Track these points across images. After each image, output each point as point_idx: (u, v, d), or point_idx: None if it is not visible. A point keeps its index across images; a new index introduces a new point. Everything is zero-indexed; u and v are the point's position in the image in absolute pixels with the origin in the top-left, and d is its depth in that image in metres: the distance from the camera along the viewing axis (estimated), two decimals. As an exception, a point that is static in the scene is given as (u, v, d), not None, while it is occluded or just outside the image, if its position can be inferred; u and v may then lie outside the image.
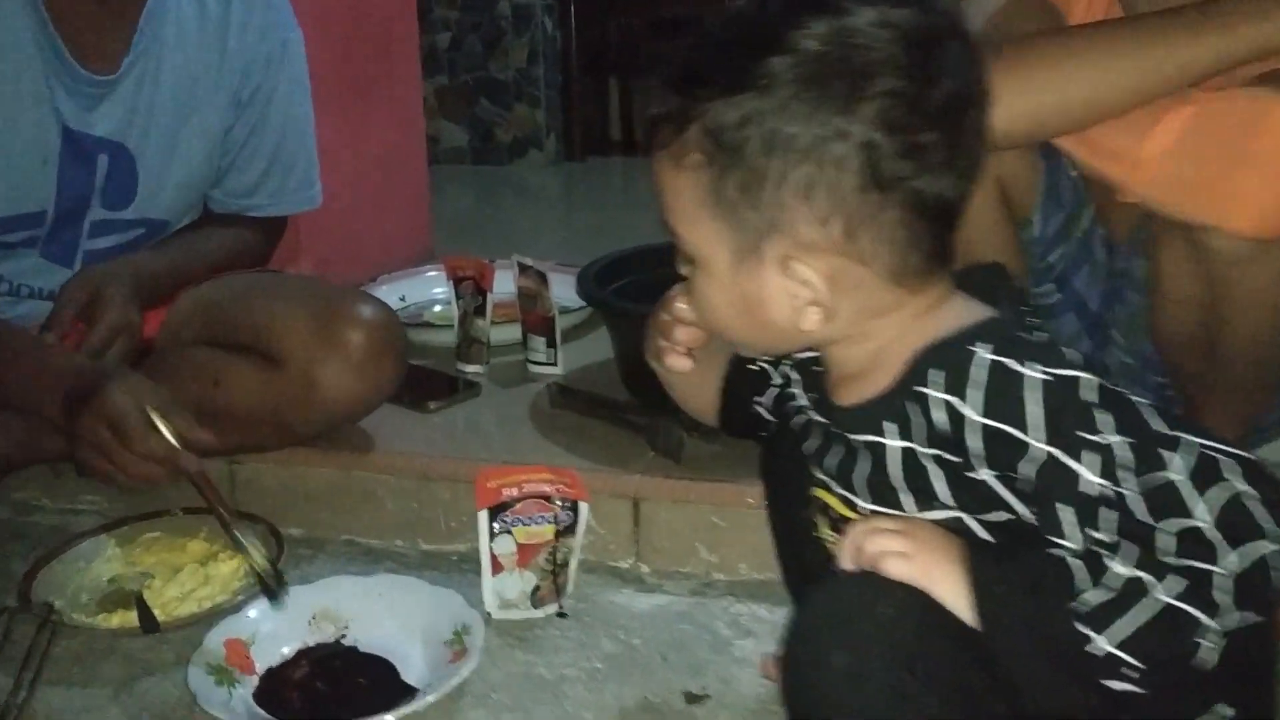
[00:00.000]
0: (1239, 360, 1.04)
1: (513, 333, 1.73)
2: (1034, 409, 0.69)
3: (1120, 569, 0.66)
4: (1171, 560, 0.65)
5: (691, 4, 3.61)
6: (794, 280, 0.74)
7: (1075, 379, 0.69)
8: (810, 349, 0.84)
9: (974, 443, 0.72)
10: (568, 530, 1.19)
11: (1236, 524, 0.65)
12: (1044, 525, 0.70)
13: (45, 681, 1.09)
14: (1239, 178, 0.93)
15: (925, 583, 0.70)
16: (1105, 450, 0.67)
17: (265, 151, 1.46)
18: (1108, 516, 0.67)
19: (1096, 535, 0.68)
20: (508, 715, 1.05)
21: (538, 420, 1.50)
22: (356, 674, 1.09)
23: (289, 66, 1.44)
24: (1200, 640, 0.65)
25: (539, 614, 1.19)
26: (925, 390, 0.74)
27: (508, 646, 1.15)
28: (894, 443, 0.76)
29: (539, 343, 1.65)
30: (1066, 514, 0.68)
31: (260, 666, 1.09)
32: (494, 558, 1.18)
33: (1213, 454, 0.67)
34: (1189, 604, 0.65)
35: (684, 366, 0.95)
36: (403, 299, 1.94)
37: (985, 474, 0.72)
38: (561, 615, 1.20)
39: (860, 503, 0.80)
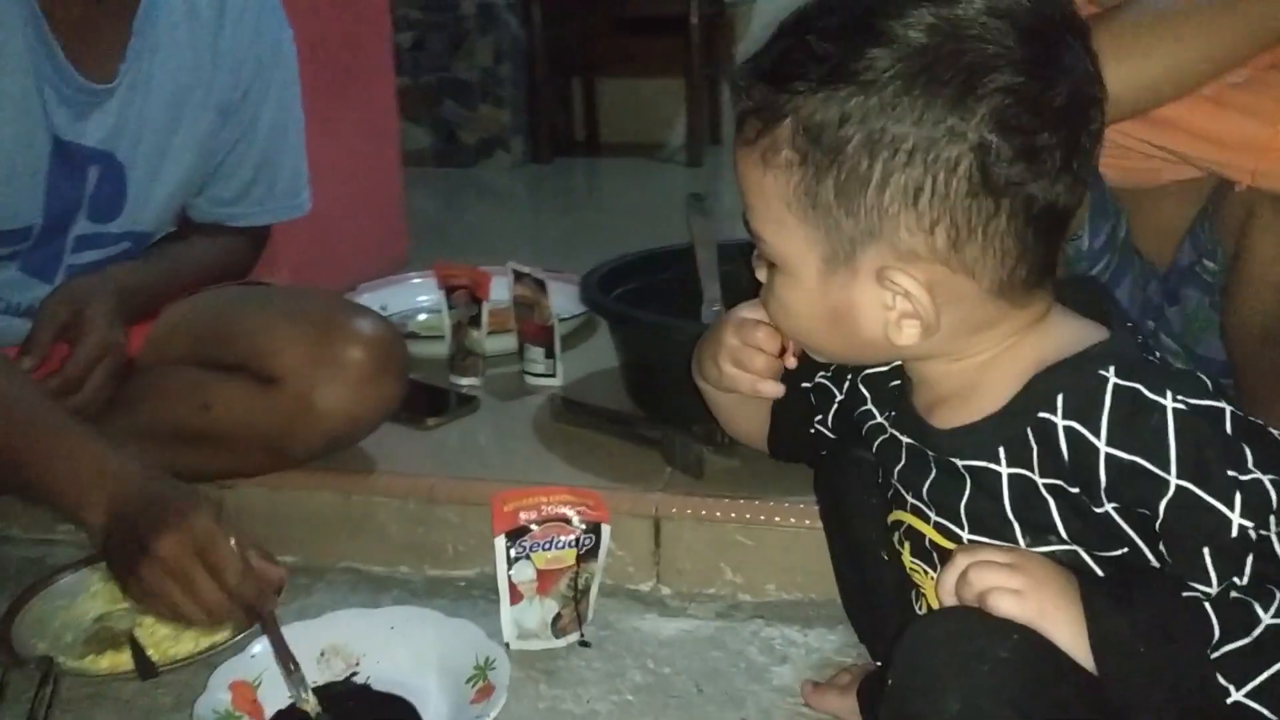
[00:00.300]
0: None
1: (506, 343, 1.67)
2: (1172, 442, 0.64)
3: (1265, 616, 0.61)
4: None
5: (652, 4, 3.58)
6: (890, 292, 0.69)
7: (1217, 410, 0.65)
8: (895, 362, 0.79)
9: (1102, 475, 0.67)
10: (589, 554, 1.13)
11: None
12: (1179, 566, 0.65)
13: (34, 733, 1.01)
14: None
15: (1039, 623, 0.64)
16: (1251, 489, 0.63)
17: (253, 157, 1.38)
18: (1250, 560, 0.63)
19: (1238, 580, 0.63)
20: (539, 755, 0.99)
21: (542, 435, 1.44)
22: (372, 714, 1.02)
23: (280, 68, 1.36)
24: None
25: (560, 644, 1.13)
26: (1048, 416, 0.68)
27: (530, 680, 1.08)
28: (1007, 470, 0.71)
29: (537, 353, 1.58)
30: (1207, 556, 0.64)
31: (269, 710, 1.02)
32: (512, 585, 1.12)
33: None
34: None
35: (776, 391, 0.90)
36: (384, 308, 1.86)
37: (1109, 508, 0.68)
38: (584, 644, 1.14)
39: (961, 532, 0.75)
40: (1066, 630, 0.64)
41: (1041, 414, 0.69)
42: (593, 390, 1.55)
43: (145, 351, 1.32)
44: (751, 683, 1.07)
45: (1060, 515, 0.70)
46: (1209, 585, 0.64)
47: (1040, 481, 0.70)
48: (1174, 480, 0.64)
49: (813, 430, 0.94)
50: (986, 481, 0.72)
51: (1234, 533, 0.63)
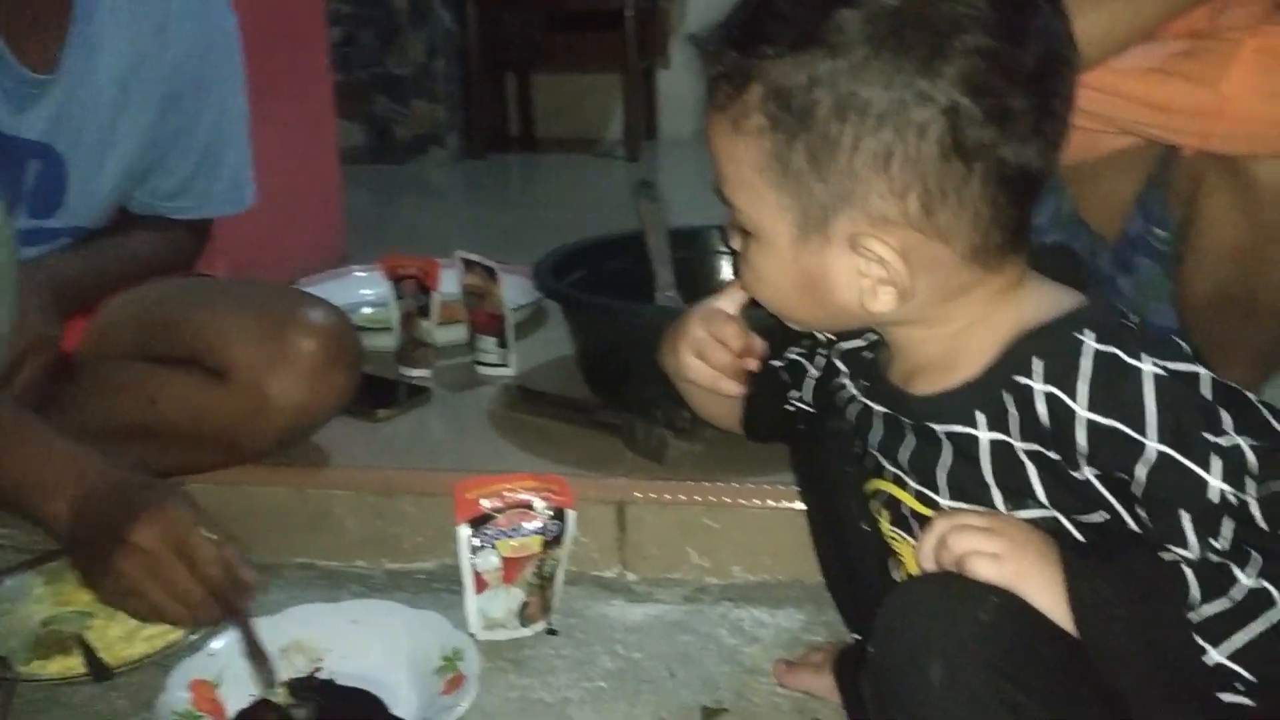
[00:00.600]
0: (1276, 312, 1.03)
1: (457, 334, 1.64)
2: (1151, 406, 0.64)
3: (1243, 579, 0.62)
4: None
5: (587, -1, 3.57)
6: (864, 258, 0.68)
7: (1194, 374, 0.65)
8: (870, 330, 0.78)
9: (1080, 439, 0.66)
10: (555, 541, 1.11)
11: None
12: (1159, 530, 0.65)
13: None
14: None
15: (1018, 586, 0.64)
16: (1230, 453, 0.63)
17: (196, 149, 1.33)
18: (1229, 523, 0.63)
19: (1216, 543, 0.63)
20: (513, 745, 0.97)
21: (497, 425, 1.42)
22: (340, 710, 1.00)
23: (225, 58, 1.33)
24: None
25: (527, 632, 1.11)
26: (1026, 381, 0.68)
27: (499, 670, 1.06)
28: (986, 435, 0.71)
29: (489, 343, 1.56)
30: (1185, 520, 0.64)
31: (230, 709, 0.99)
32: (477, 575, 1.10)
33: None
34: None
35: (737, 390, 0.90)
36: (328, 302, 1.83)
37: (1088, 473, 0.67)
38: (552, 632, 1.12)
39: (940, 499, 0.75)
40: (1046, 593, 0.64)
41: (1020, 379, 0.69)
42: (547, 379, 1.53)
43: (86, 346, 1.28)
44: (723, 664, 1.06)
45: (1039, 480, 0.70)
46: (1188, 549, 0.64)
47: (1019, 447, 0.70)
48: (1153, 445, 0.64)
49: (788, 407, 0.94)
50: (965, 447, 0.72)
51: (1212, 496, 0.63)
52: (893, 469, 0.79)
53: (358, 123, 3.47)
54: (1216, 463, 0.63)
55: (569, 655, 1.09)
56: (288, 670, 1.03)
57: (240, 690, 1.00)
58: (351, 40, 3.42)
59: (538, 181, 3.54)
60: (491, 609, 1.10)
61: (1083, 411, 0.66)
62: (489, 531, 1.11)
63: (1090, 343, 0.66)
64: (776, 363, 0.94)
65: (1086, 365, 0.66)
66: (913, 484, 0.77)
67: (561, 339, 1.55)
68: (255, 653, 0.97)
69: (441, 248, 1.73)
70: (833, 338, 0.88)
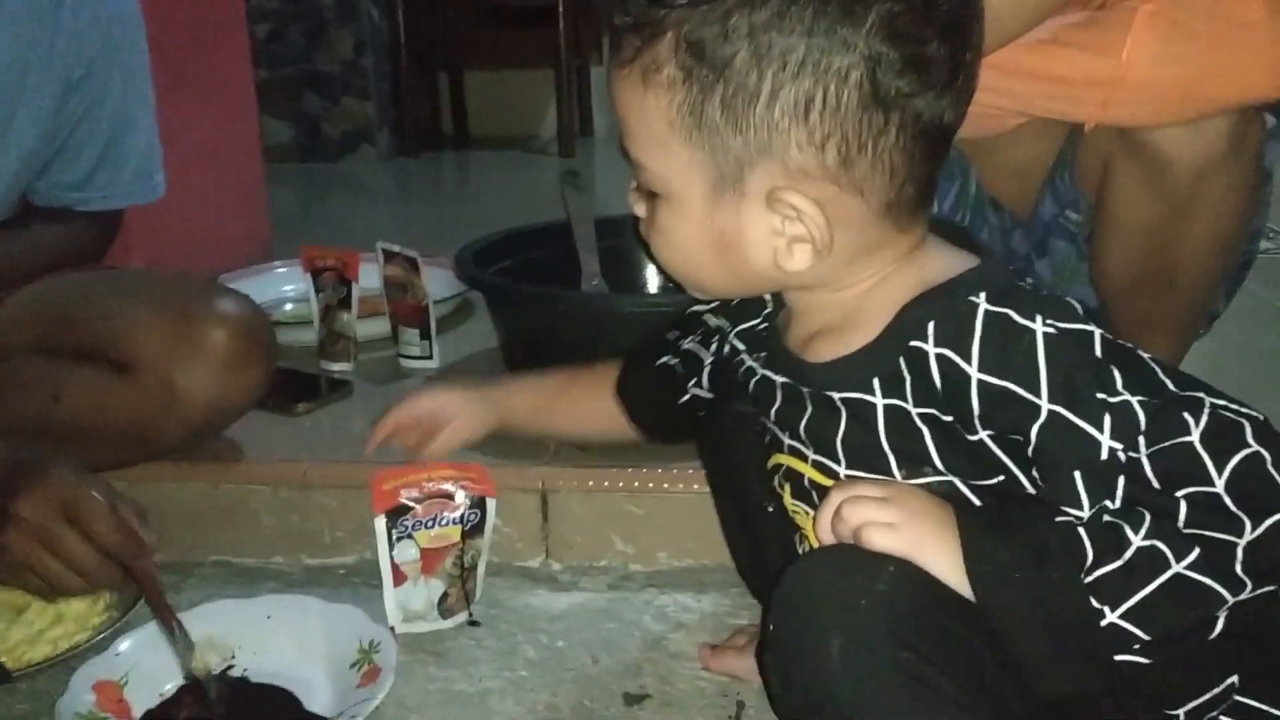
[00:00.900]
0: (1195, 282, 1.04)
1: (379, 327, 1.61)
2: (1043, 366, 0.64)
3: (1135, 538, 0.61)
4: (1188, 530, 0.61)
5: (520, -6, 3.54)
6: (780, 215, 0.67)
7: (1086, 333, 0.65)
8: (769, 301, 0.77)
9: (974, 402, 0.66)
10: (475, 530, 1.09)
11: (1254, 490, 0.62)
12: (1052, 491, 0.65)
13: None
14: (1243, 46, 0.93)
15: (915, 554, 0.63)
16: (1121, 411, 0.63)
17: (100, 136, 1.29)
18: (1121, 482, 0.63)
19: (1109, 502, 0.63)
20: (432, 738, 0.95)
21: (420, 417, 1.39)
22: (252, 707, 0.97)
23: (126, 43, 1.28)
24: (1216, 613, 0.62)
25: (449, 624, 1.09)
26: (920, 344, 0.68)
27: (419, 663, 1.04)
28: (881, 400, 0.70)
29: (412, 335, 1.53)
30: (1078, 479, 0.64)
31: (137, 710, 0.96)
32: (395, 567, 1.07)
33: (1226, 415, 0.64)
34: (1206, 575, 0.60)
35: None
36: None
37: (983, 435, 0.67)
38: (474, 624, 1.10)
39: (838, 468, 0.74)
40: (943, 560, 0.63)
41: (913, 343, 0.68)
42: (471, 372, 1.51)
43: (-15, 341, 1.23)
44: (648, 651, 1.05)
45: (935, 445, 0.69)
46: (1081, 509, 0.64)
47: (914, 411, 0.69)
48: (1045, 405, 0.64)
49: (686, 397, 0.93)
50: (862, 413, 0.71)
51: (1104, 455, 0.63)
52: (791, 441, 0.77)
53: (286, 120, 3.43)
54: (1108, 421, 0.63)
55: (491, 646, 1.07)
56: (200, 668, 1.00)
57: (147, 690, 0.97)
58: (278, 36, 3.37)
59: (470, 179, 3.51)
60: (411, 601, 1.08)
61: (976, 373, 0.65)
62: (407, 522, 1.08)
63: (983, 304, 0.66)
64: (670, 359, 0.92)
65: (979, 326, 0.66)
66: (811, 454, 0.76)
67: (486, 332, 1.53)
68: (165, 618, 0.94)
69: (369, 244, 1.70)
70: (725, 324, 0.87)
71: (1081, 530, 0.62)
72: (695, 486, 1.16)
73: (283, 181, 3.04)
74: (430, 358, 1.53)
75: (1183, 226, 1.00)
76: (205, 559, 1.24)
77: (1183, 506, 0.61)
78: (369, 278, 1.57)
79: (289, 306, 1.83)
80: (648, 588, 1.15)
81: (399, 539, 1.08)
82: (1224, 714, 0.71)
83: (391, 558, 1.08)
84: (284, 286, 1.87)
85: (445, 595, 1.09)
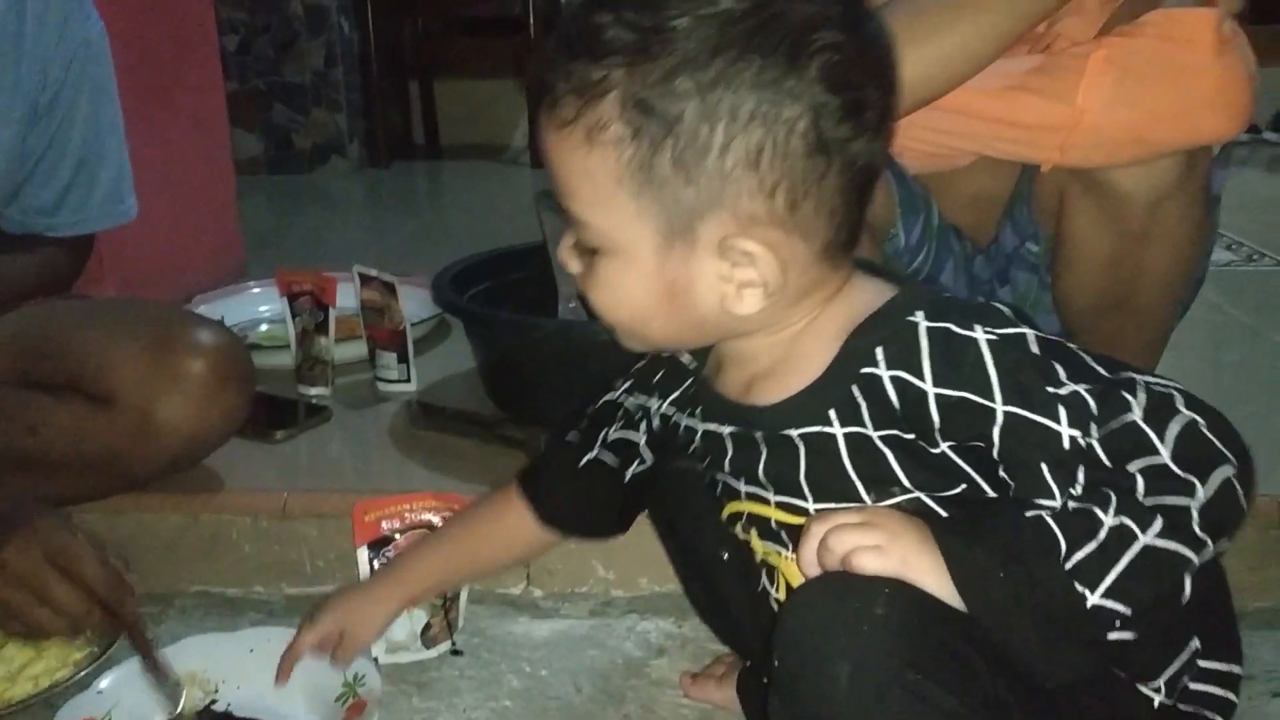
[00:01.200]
0: (1154, 307, 1.07)
1: (356, 350, 1.61)
2: (991, 371, 0.66)
3: (1106, 517, 0.63)
4: (1149, 501, 0.64)
5: (489, 4, 3.54)
6: (729, 261, 0.68)
7: (1021, 335, 0.67)
8: (700, 350, 0.78)
9: (934, 415, 0.68)
10: (457, 560, 1.10)
11: (1197, 453, 0.65)
12: (1023, 487, 0.67)
13: None
14: (1191, 90, 0.95)
15: (904, 573, 0.65)
16: (1071, 401, 0.65)
17: (68, 162, 1.28)
18: (1083, 466, 0.65)
19: (1074, 489, 0.65)
20: (417, 771, 0.96)
21: (399, 442, 1.40)
22: (236, 744, 0.97)
23: (93, 67, 1.27)
24: (1184, 576, 0.64)
25: (432, 654, 1.10)
26: (872, 370, 0.70)
27: (403, 694, 1.04)
28: (841, 430, 0.72)
29: (389, 359, 1.54)
30: (1046, 472, 0.66)
31: (121, 748, 0.96)
32: (378, 597, 1.08)
33: (1158, 389, 0.67)
34: (1171, 541, 0.63)
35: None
36: (222, 319, 1.78)
37: (945, 447, 0.69)
38: (456, 653, 1.11)
39: (805, 504, 0.75)
40: (930, 574, 0.64)
41: (865, 370, 0.70)
42: (450, 394, 1.52)
43: (-41, 375, 1.22)
44: (630, 678, 1.06)
45: (899, 464, 0.71)
46: (1054, 499, 0.66)
47: (875, 435, 0.71)
48: (1000, 407, 0.66)
49: (628, 481, 0.93)
50: (822, 446, 0.73)
51: (1066, 444, 0.65)
52: (749, 487, 0.78)
53: (256, 133, 3.41)
54: (1062, 412, 0.65)
55: (474, 675, 1.07)
56: (187, 714, 1.00)
57: (130, 729, 0.97)
58: (247, 48, 3.35)
59: (442, 190, 3.50)
60: (393, 631, 1.08)
61: (931, 388, 0.68)
62: (389, 553, 1.09)
63: (922, 322, 0.69)
64: (595, 455, 0.93)
65: (925, 344, 0.68)
66: (773, 496, 0.77)
67: (465, 352, 1.54)
68: (152, 664, 0.95)
69: (343, 259, 1.70)
70: (648, 400, 0.88)
71: (1051, 521, 0.64)
72: (675, 512, 1.17)
73: (254, 195, 3.03)
74: (408, 381, 1.53)
75: (1139, 256, 1.03)
76: (186, 589, 1.24)
77: (1139, 480, 0.64)
78: (345, 297, 1.58)
79: (264, 327, 1.83)
80: (629, 614, 1.16)
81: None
82: (1192, 681, 0.75)
83: (374, 589, 1.08)
84: (259, 307, 1.87)
85: (428, 625, 1.09)
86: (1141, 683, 0.73)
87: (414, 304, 1.61)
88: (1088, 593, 0.62)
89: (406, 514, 1.10)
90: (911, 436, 0.70)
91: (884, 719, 0.62)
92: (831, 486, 0.73)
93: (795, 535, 0.75)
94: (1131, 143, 0.97)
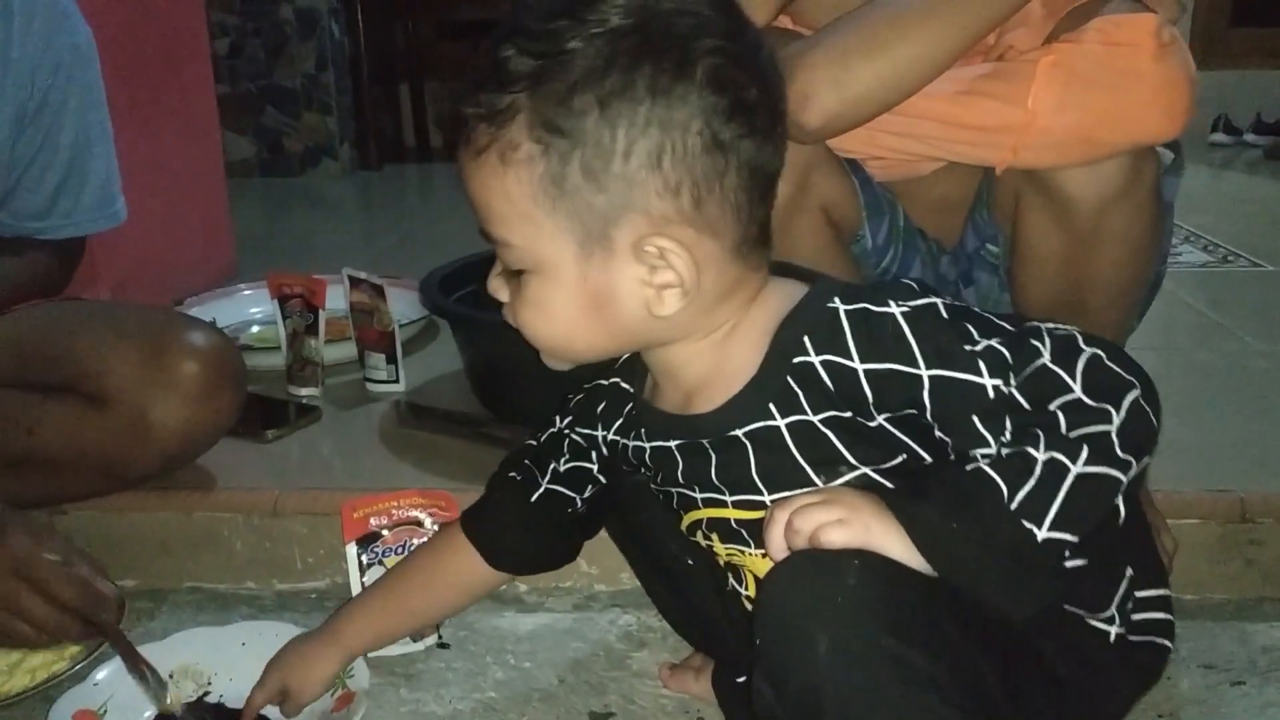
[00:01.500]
0: (1107, 307, 1.10)
1: (345, 351, 1.64)
2: (911, 340, 0.70)
3: (1039, 454, 0.67)
4: (1072, 434, 0.67)
5: (478, 7, 3.57)
6: (647, 263, 0.72)
7: (931, 304, 0.72)
8: (646, 356, 0.81)
9: (867, 391, 0.72)
10: (444, 556, 1.13)
11: (1105, 383, 0.68)
12: (960, 442, 0.71)
13: None
14: (1137, 92, 0.99)
15: (868, 541, 0.68)
16: (987, 354, 0.69)
17: (57, 168, 1.30)
18: (1009, 413, 0.69)
19: (1005, 436, 0.69)
20: (403, 759, 0.99)
21: (388, 442, 1.42)
22: (229, 734, 1.00)
23: (80, 73, 1.28)
24: (1116, 499, 0.68)
25: (419, 647, 1.13)
26: (804, 358, 0.73)
27: (390, 685, 1.07)
28: (784, 421, 0.75)
29: (378, 359, 1.57)
30: (977, 423, 0.69)
31: (116, 739, 0.99)
32: (367, 592, 1.11)
33: (1059, 333, 0.71)
34: (1100, 465, 0.66)
35: None
36: (214, 321, 1.81)
37: (880, 420, 0.73)
38: (443, 646, 1.14)
39: (762, 498, 0.78)
40: (892, 539, 0.67)
41: (797, 359, 0.74)
42: (438, 394, 1.55)
43: (-46, 379, 1.25)
44: (612, 669, 1.09)
45: (842, 443, 0.75)
46: (990, 446, 0.69)
47: (816, 419, 0.74)
48: (925, 372, 0.70)
49: (575, 510, 0.96)
50: (769, 439, 0.76)
51: (990, 394, 0.69)
52: (704, 494, 0.82)
53: (247, 136, 3.44)
54: (982, 365, 0.69)
55: (460, 667, 1.10)
56: (174, 705, 1.03)
57: (126, 718, 1.00)
58: (238, 52, 3.38)
59: (433, 192, 3.53)
60: (382, 625, 1.11)
61: (860, 365, 0.72)
62: (377, 549, 1.12)
63: (841, 306, 0.73)
64: (549, 489, 0.95)
65: (847, 325, 0.72)
66: (729, 497, 0.80)
67: (452, 353, 1.57)
68: (134, 664, 0.97)
69: (334, 261, 1.73)
70: (595, 431, 0.91)
71: (989, 469, 0.68)
72: (656, 509, 1.20)
73: (245, 197, 3.06)
74: (396, 381, 1.56)
75: (1089, 257, 1.07)
76: (179, 585, 1.27)
77: (1060, 417, 0.68)
78: (335, 299, 1.61)
79: (256, 329, 1.86)
80: (612, 607, 1.20)
81: (370, 565, 1.12)
82: (1135, 611, 0.79)
83: (363, 583, 1.11)
84: (251, 309, 1.90)
85: (415, 619, 1.12)
86: (1093, 616, 0.77)
87: (403, 306, 1.64)
88: (1035, 528, 0.66)
89: (394, 511, 1.13)
90: (849, 414, 0.74)
91: (865, 685, 0.65)
92: (783, 476, 0.77)
93: (756, 532, 0.79)
94: (1080, 143, 1.01)
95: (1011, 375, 0.69)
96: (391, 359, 1.55)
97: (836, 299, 0.73)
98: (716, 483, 0.80)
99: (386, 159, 3.63)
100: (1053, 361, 0.69)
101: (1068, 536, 0.66)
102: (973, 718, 0.66)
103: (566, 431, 0.95)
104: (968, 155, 1.08)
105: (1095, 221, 1.04)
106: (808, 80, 1.00)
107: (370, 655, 1.08)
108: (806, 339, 0.73)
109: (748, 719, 0.85)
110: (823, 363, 0.73)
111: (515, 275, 0.75)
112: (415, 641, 1.12)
